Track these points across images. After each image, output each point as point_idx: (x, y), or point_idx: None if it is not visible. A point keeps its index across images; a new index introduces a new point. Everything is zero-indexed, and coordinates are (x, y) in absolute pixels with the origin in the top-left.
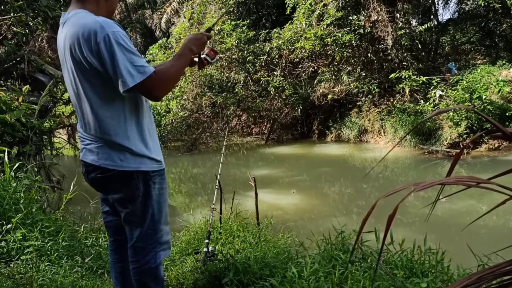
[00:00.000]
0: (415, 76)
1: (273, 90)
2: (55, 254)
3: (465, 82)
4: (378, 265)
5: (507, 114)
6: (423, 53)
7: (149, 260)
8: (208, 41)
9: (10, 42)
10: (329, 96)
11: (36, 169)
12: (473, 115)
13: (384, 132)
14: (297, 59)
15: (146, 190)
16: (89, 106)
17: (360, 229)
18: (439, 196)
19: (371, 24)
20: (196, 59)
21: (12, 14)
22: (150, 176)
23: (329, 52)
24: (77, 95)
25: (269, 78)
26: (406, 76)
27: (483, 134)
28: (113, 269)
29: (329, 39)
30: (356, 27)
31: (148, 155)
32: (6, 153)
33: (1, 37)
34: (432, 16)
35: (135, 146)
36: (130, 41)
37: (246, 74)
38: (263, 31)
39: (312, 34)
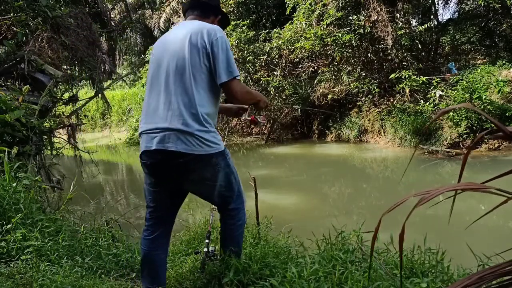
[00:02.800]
0: (415, 76)
1: (273, 90)
2: (55, 254)
3: (465, 82)
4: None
5: (507, 114)
6: (423, 53)
7: (241, 218)
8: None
9: (10, 42)
10: (329, 96)
11: (36, 169)
12: (473, 115)
13: (384, 132)
14: (297, 59)
15: (225, 162)
16: (193, 81)
17: (372, 245)
18: (439, 189)
19: (371, 24)
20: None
21: (12, 14)
22: (224, 151)
23: (329, 52)
24: (181, 77)
25: (269, 78)
26: (406, 76)
27: (485, 135)
28: (149, 258)
29: (329, 39)
30: (356, 27)
31: (220, 139)
32: (6, 153)
33: (1, 37)
34: (432, 16)
35: (213, 133)
36: None
37: (246, 74)
38: (263, 31)
39: (312, 34)
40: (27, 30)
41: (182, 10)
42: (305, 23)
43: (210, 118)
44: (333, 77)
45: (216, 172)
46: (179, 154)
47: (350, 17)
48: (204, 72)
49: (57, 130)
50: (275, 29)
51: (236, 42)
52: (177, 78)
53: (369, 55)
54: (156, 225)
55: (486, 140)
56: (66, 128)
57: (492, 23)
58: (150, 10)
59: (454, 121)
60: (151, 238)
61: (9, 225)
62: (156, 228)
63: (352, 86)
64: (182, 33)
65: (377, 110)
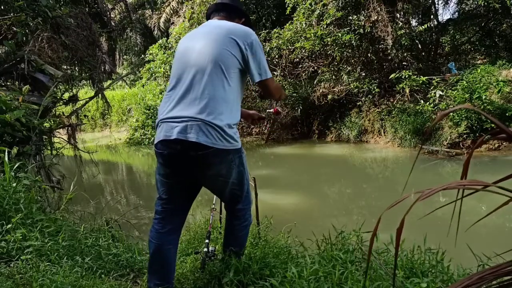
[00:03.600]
0: (415, 76)
1: None
2: (55, 254)
3: (465, 82)
4: (394, 281)
5: (507, 114)
6: (423, 53)
7: (247, 218)
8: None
9: (10, 42)
10: (329, 96)
11: (36, 169)
12: (473, 115)
13: (384, 132)
14: (297, 59)
15: (240, 160)
16: (227, 76)
17: (370, 246)
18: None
19: (371, 24)
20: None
21: (12, 14)
22: (240, 149)
23: (329, 52)
24: (212, 69)
25: None
26: (406, 76)
27: (488, 135)
28: (160, 252)
29: (329, 39)
30: (356, 27)
31: (238, 136)
32: (6, 153)
33: (1, 37)
34: (432, 16)
35: (234, 129)
36: None
37: None
38: (263, 31)
39: (312, 34)
40: (27, 30)
41: (206, 13)
42: (305, 23)
43: (236, 114)
44: (333, 77)
45: (231, 169)
46: (200, 146)
47: (350, 17)
48: (236, 69)
49: (57, 130)
50: (275, 29)
51: None
52: (210, 70)
53: (369, 55)
54: (169, 218)
55: (486, 140)
56: (66, 128)
57: (492, 23)
58: (150, 10)
59: (454, 121)
60: (164, 232)
61: (9, 225)
62: (169, 222)
63: (352, 86)
64: (217, 29)
65: (377, 110)
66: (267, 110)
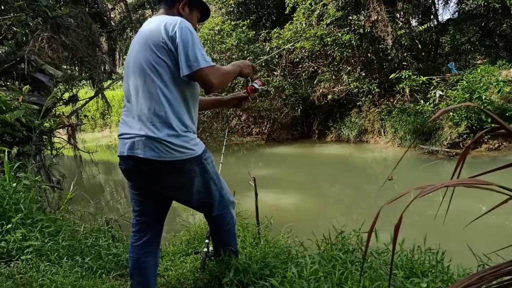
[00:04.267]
0: (415, 76)
1: (273, 90)
2: (55, 254)
3: (465, 82)
4: (390, 280)
5: (507, 114)
6: (423, 53)
7: (228, 222)
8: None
9: (10, 42)
10: (329, 96)
11: (36, 169)
12: (473, 115)
13: (384, 132)
14: (297, 59)
15: (202, 168)
16: (160, 83)
17: (367, 241)
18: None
19: (371, 24)
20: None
21: (12, 14)
22: (200, 156)
23: (329, 52)
24: (144, 80)
25: (269, 78)
26: (406, 76)
27: (487, 133)
28: (138, 265)
29: (329, 39)
30: (356, 27)
31: (195, 143)
32: (6, 153)
33: (1, 37)
34: (432, 16)
35: (185, 137)
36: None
37: None
38: (263, 31)
39: (312, 34)
40: (27, 30)
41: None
42: (305, 23)
43: (183, 119)
44: (333, 77)
45: (191, 178)
46: (147, 161)
47: (350, 17)
48: (173, 71)
49: (57, 130)
50: (275, 29)
51: (236, 42)
52: (143, 80)
53: (369, 55)
54: (143, 230)
55: (486, 140)
56: (66, 128)
57: (492, 23)
58: (150, 10)
59: (454, 121)
60: (139, 245)
61: (9, 225)
62: (144, 234)
63: (352, 86)
64: (145, 33)
65: (377, 110)
66: (240, 95)
